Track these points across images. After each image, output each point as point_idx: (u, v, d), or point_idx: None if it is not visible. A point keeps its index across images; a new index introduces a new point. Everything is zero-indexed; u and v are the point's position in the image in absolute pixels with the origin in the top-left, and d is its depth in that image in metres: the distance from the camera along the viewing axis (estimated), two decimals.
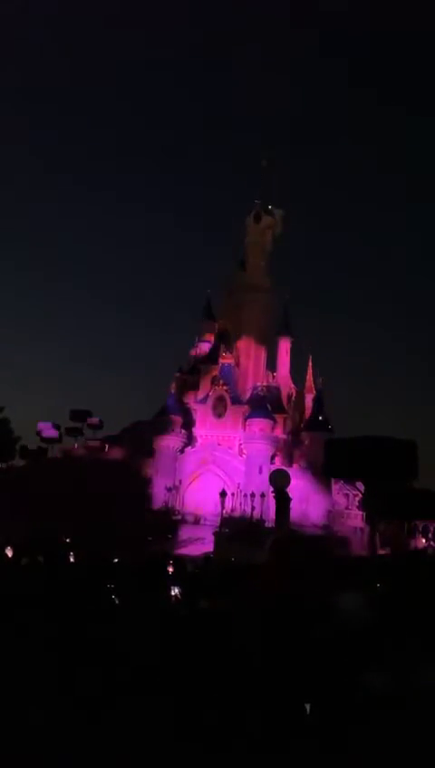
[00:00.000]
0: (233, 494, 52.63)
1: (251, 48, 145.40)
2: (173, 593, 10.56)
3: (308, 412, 65.03)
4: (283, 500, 46.52)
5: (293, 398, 67.08)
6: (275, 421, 62.36)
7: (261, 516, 48.51)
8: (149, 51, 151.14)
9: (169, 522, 46.65)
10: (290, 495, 46.81)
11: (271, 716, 7.27)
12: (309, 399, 66.12)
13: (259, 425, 61.03)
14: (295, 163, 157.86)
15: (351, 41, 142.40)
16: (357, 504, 48.27)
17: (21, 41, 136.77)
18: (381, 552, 36.42)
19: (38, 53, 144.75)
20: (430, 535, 43.39)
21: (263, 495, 49.55)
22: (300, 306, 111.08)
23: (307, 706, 6.91)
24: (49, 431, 66.24)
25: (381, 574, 17.33)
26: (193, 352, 70.74)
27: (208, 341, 69.30)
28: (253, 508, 49.28)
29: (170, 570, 14.37)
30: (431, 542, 39.63)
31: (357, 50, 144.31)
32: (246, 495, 51.93)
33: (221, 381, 64.26)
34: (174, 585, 11.02)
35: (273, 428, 61.76)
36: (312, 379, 68.11)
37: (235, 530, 41.32)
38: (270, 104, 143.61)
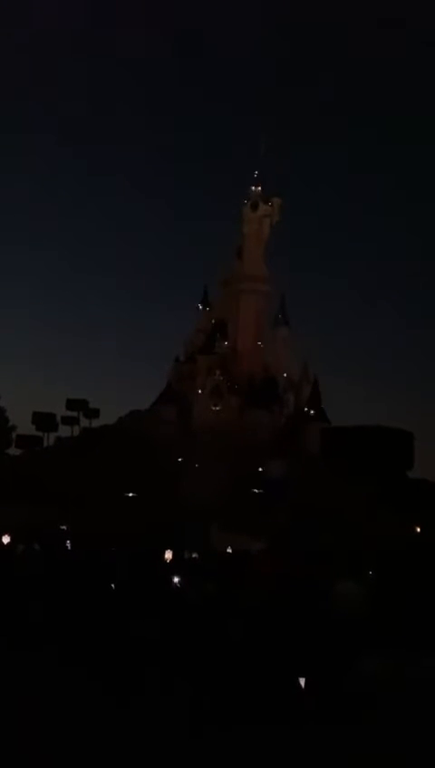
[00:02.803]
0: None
1: (251, 37, 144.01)
2: (175, 581, 10.69)
3: (304, 402, 65.13)
4: (279, 489, 46.71)
5: (289, 387, 67.14)
6: (271, 411, 62.45)
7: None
8: (149, 42, 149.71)
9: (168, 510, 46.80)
10: (286, 485, 47.01)
11: (266, 697, 7.40)
12: (306, 389, 66.19)
13: (256, 414, 61.11)
14: (295, 151, 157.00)
15: (352, 31, 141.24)
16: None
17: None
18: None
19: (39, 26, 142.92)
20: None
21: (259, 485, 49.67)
22: (297, 295, 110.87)
23: (301, 681, 7.04)
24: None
25: (377, 562, 17.51)
26: (190, 342, 70.65)
27: (205, 331, 69.20)
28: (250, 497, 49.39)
29: (168, 556, 14.51)
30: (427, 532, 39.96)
31: (357, 41, 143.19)
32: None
33: (218, 371, 64.25)
34: (173, 574, 11.15)
35: (269, 418, 61.86)
36: (308, 368, 68.15)
37: (232, 519, 41.49)
38: (270, 91, 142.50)
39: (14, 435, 63.50)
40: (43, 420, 66.16)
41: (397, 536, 33.55)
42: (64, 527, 32.61)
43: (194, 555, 19.84)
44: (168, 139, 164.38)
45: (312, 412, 63.39)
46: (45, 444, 65.61)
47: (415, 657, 9.36)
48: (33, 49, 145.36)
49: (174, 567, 13.46)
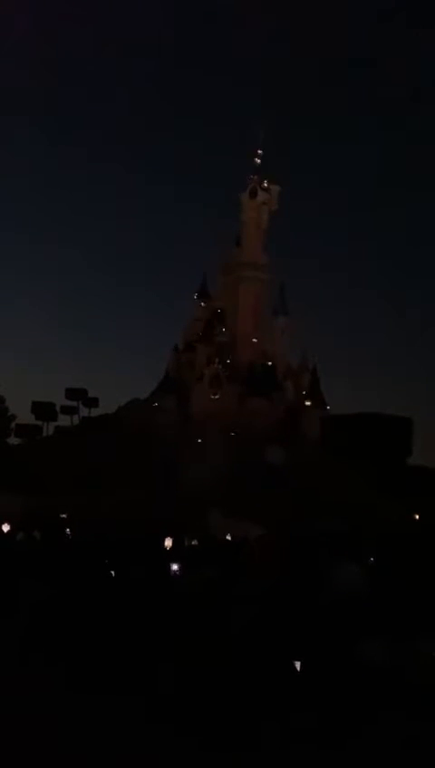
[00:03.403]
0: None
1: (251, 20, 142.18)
2: (173, 569, 10.72)
3: (304, 390, 65.11)
4: (278, 476, 46.83)
5: (288, 375, 67.10)
6: (270, 399, 62.45)
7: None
8: (148, 28, 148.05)
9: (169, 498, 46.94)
10: (285, 472, 47.15)
11: (264, 685, 7.41)
12: (304, 377, 66.16)
13: (255, 402, 61.12)
14: (294, 136, 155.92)
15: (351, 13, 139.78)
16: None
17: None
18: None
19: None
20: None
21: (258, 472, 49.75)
22: (296, 283, 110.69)
23: (297, 664, 7.03)
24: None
25: (376, 548, 17.55)
26: (189, 330, 70.48)
27: (204, 319, 69.00)
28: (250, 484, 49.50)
29: (168, 544, 14.56)
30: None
31: (357, 24, 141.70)
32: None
33: (217, 359, 64.15)
34: (173, 561, 11.17)
35: (269, 406, 61.88)
36: (307, 356, 68.11)
37: (232, 505, 41.62)
38: (270, 76, 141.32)
39: (13, 424, 63.53)
40: (43, 409, 66.18)
41: (396, 522, 33.64)
42: (64, 515, 32.71)
43: (194, 542, 19.91)
44: (168, 131, 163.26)
45: (311, 399, 63.40)
46: (45, 433, 65.66)
47: (416, 642, 9.36)
48: (32, 41, 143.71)
49: (174, 554, 13.49)
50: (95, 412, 67.94)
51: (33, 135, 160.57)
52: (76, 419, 67.82)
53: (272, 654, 7.78)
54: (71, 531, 21.99)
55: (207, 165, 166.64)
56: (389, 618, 9.49)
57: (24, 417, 64.91)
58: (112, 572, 12.38)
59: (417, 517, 40.50)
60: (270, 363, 65.66)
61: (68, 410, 67.65)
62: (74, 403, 67.86)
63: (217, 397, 62.76)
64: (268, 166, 68.95)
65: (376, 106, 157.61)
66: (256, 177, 68.22)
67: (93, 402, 68.53)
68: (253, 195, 67.73)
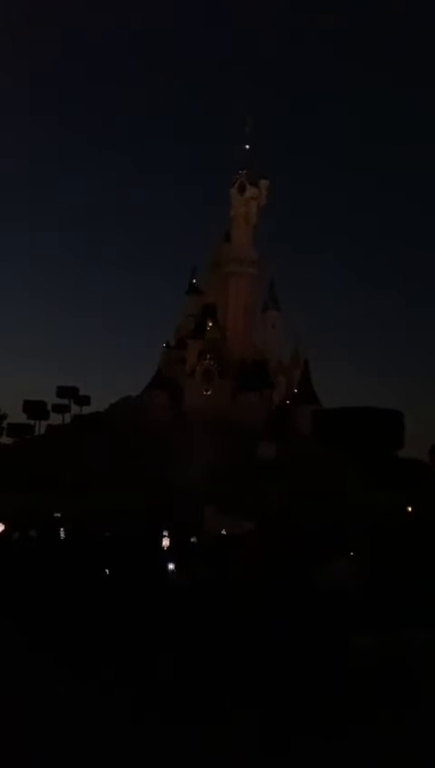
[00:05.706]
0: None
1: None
2: (170, 568, 10.77)
3: (295, 384, 65.26)
4: (269, 471, 46.99)
5: (280, 370, 67.22)
6: (262, 394, 62.56)
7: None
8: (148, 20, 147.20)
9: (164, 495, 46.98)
10: (277, 467, 47.32)
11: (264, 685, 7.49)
12: (296, 372, 66.28)
13: (247, 398, 61.22)
14: (286, 131, 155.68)
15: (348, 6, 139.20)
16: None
17: None
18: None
19: None
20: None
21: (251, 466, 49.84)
22: (286, 277, 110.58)
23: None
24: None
25: (369, 541, 17.68)
26: (180, 327, 70.38)
27: (195, 316, 68.91)
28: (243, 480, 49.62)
29: (165, 543, 14.59)
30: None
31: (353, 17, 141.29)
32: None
33: (208, 355, 64.15)
34: (169, 560, 11.22)
35: (261, 401, 62.00)
36: (298, 351, 68.16)
37: (226, 501, 41.73)
38: (263, 70, 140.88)
39: (5, 423, 63.32)
40: (34, 408, 65.92)
41: (389, 515, 33.86)
42: (58, 515, 32.71)
43: (193, 539, 20.00)
44: (167, 131, 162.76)
45: (303, 393, 63.54)
46: (37, 432, 65.44)
47: (408, 632, 9.48)
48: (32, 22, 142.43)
49: (169, 552, 13.53)
50: (87, 410, 67.83)
51: (32, 133, 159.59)
52: (68, 418, 67.67)
53: (265, 646, 7.86)
54: (65, 530, 21.99)
55: (200, 164, 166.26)
56: (381, 608, 9.60)
57: (16, 416, 64.80)
58: (106, 571, 12.43)
59: (410, 509, 40.73)
60: (261, 359, 65.74)
61: (60, 409, 67.42)
62: (66, 401, 67.66)
63: (208, 392, 62.80)
64: (259, 160, 68.89)
65: (375, 102, 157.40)
66: (244, 172, 68.13)
67: (85, 400, 68.36)
68: (241, 190, 67.64)
